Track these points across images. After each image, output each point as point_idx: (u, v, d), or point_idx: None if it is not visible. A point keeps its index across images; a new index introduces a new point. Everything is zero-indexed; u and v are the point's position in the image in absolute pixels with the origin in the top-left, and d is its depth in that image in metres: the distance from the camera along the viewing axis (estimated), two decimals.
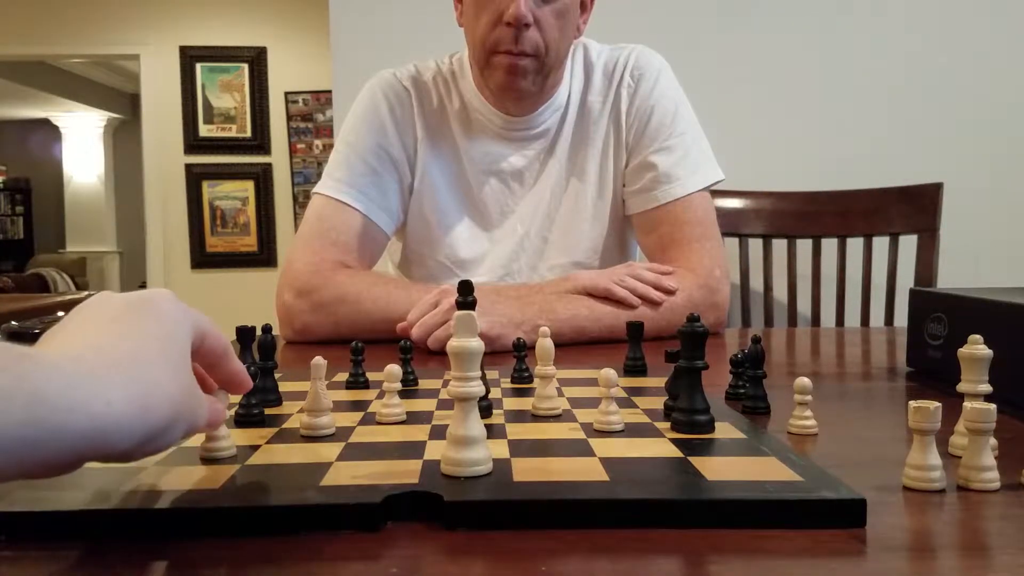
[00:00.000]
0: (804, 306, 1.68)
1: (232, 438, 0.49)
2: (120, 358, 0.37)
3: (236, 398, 0.54)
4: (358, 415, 0.59)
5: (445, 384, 0.70)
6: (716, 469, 0.45)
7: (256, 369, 0.59)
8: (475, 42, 1.15)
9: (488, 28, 1.11)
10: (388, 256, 1.37)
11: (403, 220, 1.27)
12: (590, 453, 0.48)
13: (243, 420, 0.57)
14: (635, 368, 0.77)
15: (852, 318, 1.67)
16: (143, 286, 5.99)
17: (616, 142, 1.25)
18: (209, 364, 0.47)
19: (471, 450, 0.43)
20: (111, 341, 0.38)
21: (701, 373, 0.54)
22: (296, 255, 1.14)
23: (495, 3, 1.10)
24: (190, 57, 5.17)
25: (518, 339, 0.72)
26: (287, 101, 5.18)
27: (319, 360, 0.55)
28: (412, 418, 0.58)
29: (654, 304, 1.07)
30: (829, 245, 1.67)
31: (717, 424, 0.54)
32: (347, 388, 0.70)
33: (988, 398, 0.48)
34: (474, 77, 1.23)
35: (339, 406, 0.61)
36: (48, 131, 8.87)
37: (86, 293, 2.53)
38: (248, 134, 5.20)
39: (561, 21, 1.13)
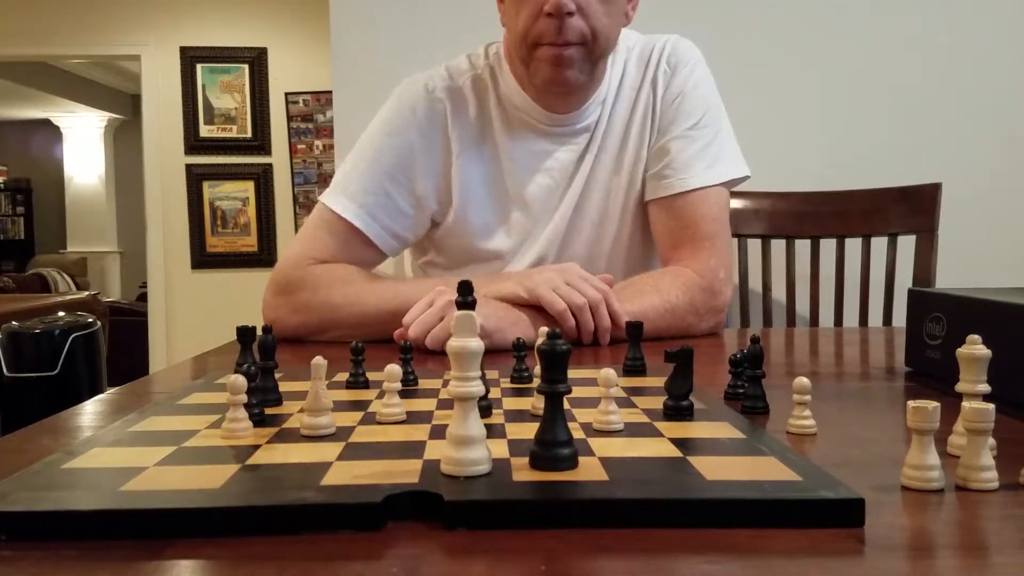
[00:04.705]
0: (803, 306, 1.68)
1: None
2: None
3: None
4: (358, 415, 0.59)
5: (445, 384, 0.70)
6: (715, 469, 0.45)
7: (256, 369, 0.59)
8: (516, 37, 1.11)
9: (529, 21, 1.08)
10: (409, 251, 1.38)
11: (410, 241, 1.25)
12: (590, 453, 0.48)
13: None
14: (635, 368, 0.77)
15: (851, 318, 1.67)
16: (143, 287, 5.99)
17: (649, 130, 1.23)
18: None
19: (471, 450, 0.43)
20: None
21: (563, 398, 0.45)
22: (284, 254, 1.16)
23: None
24: (190, 58, 5.17)
25: (518, 339, 0.72)
26: (287, 102, 5.17)
27: (319, 360, 0.56)
28: (412, 418, 0.58)
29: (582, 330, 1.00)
30: (828, 245, 1.67)
31: (717, 424, 0.54)
32: (347, 388, 0.70)
33: (987, 398, 0.48)
34: (515, 73, 1.20)
35: (339, 406, 0.61)
36: (49, 131, 8.88)
37: (86, 293, 2.53)
38: (248, 135, 5.20)
39: (607, 6, 1.10)
